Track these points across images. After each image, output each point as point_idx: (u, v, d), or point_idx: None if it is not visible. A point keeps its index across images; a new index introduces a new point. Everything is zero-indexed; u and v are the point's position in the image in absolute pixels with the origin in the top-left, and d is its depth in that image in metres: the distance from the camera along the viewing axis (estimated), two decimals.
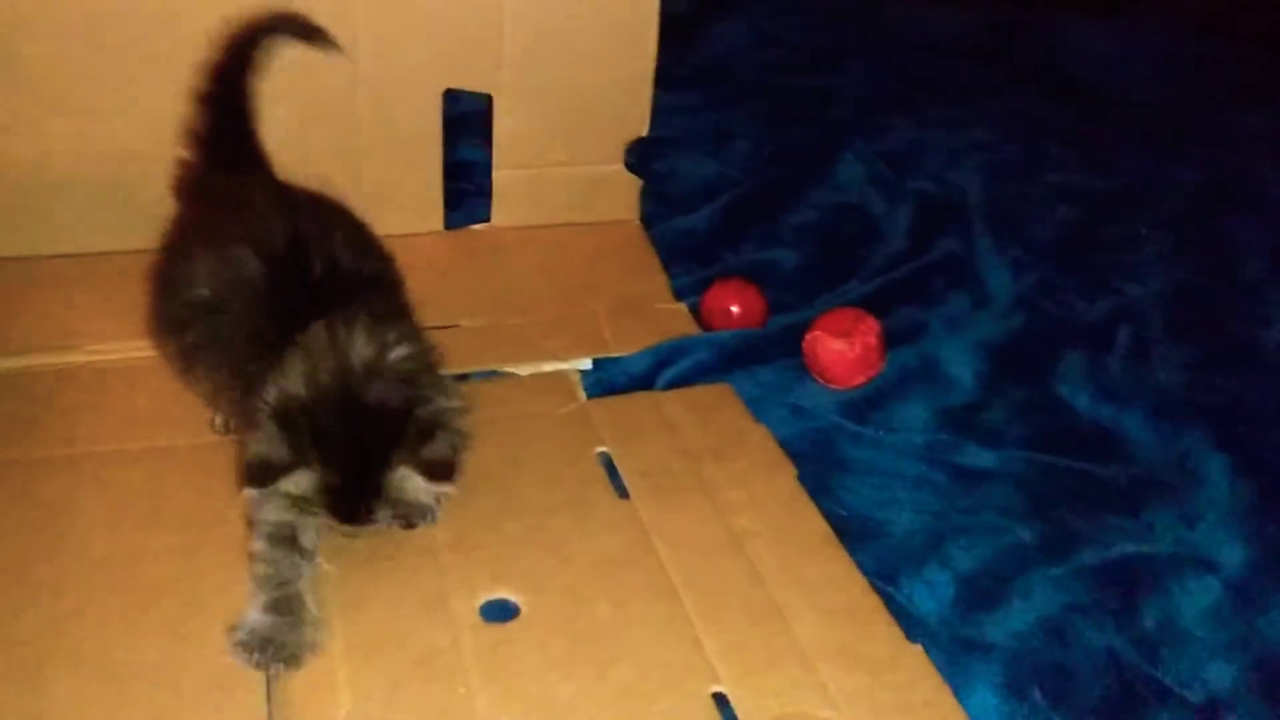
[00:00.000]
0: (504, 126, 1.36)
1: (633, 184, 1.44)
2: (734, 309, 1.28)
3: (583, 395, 1.19)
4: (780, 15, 2.17)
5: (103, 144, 1.25)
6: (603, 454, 1.10)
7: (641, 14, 1.33)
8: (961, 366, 1.22)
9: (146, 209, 1.27)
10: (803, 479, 1.07)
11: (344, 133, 1.32)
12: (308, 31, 1.18)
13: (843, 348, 1.19)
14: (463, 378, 1.19)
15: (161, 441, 1.07)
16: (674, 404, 1.17)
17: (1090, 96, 1.92)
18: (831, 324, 1.20)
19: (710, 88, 1.87)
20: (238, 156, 1.16)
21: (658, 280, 1.37)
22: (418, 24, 1.28)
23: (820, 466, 1.10)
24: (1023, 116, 1.82)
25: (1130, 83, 1.97)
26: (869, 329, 1.20)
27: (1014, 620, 0.94)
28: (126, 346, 1.18)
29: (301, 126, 1.29)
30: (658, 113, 1.69)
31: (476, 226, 1.43)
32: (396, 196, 1.36)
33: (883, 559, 1.00)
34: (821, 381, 1.20)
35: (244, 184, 1.09)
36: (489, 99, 1.35)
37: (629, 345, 1.25)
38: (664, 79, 1.84)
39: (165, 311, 1.05)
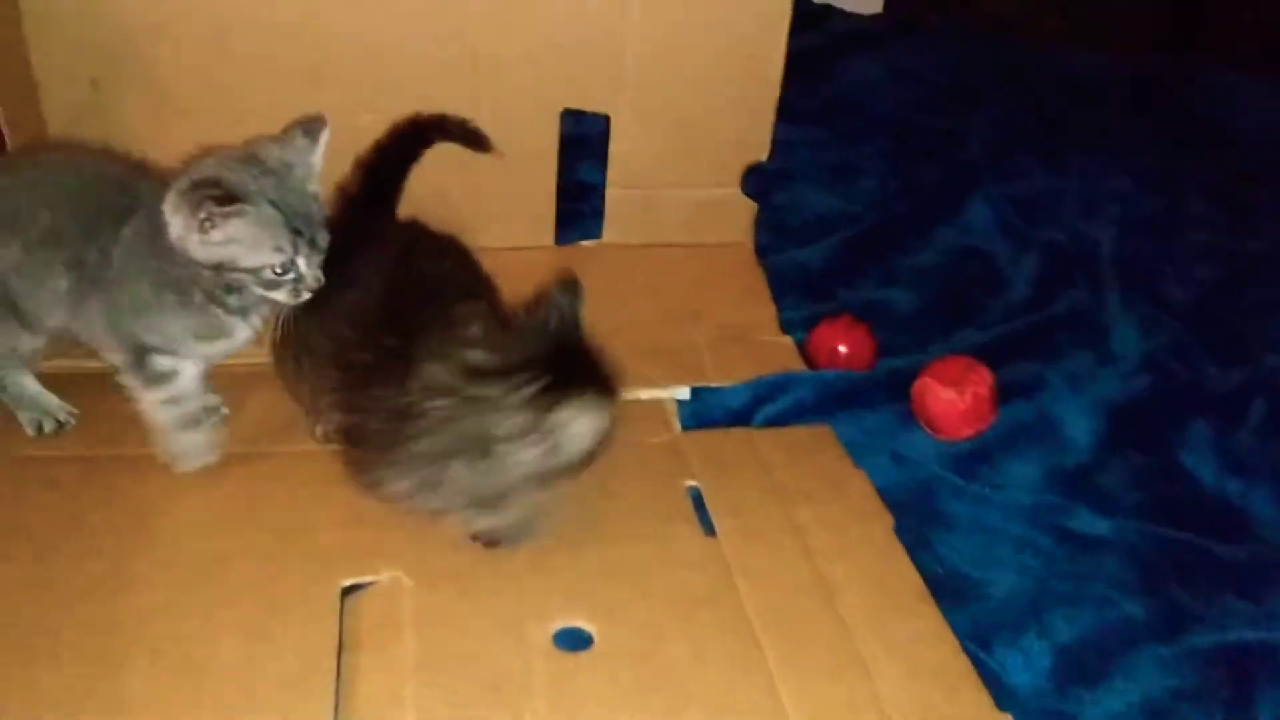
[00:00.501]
0: (620, 146, 1.36)
1: (748, 209, 1.42)
2: (841, 348, 1.25)
3: (677, 426, 1.17)
4: (918, 53, 2.13)
5: None
6: (692, 488, 1.08)
7: (768, 40, 1.31)
8: (1078, 426, 1.16)
9: None
10: (900, 531, 1.02)
11: (462, 148, 1.32)
12: (473, 137, 1.21)
13: (953, 397, 1.14)
14: None
15: (262, 447, 1.09)
16: (770, 443, 1.14)
17: (1241, 153, 1.83)
18: (942, 372, 1.15)
19: (838, 122, 1.83)
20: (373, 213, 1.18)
21: (765, 310, 1.35)
22: (538, 43, 1.28)
23: (919, 519, 1.05)
24: (1166, 169, 1.74)
25: None
26: (981, 379, 1.15)
27: (1113, 700, 0.89)
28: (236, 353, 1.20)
29: None
30: (782, 145, 1.67)
31: (586, 243, 1.42)
32: (510, 211, 1.37)
33: (978, 621, 0.95)
34: (928, 431, 1.16)
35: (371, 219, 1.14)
36: (606, 119, 1.34)
37: (729, 375, 1.22)
38: (791, 111, 1.82)
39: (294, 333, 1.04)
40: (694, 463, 1.11)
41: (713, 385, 1.21)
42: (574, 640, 0.91)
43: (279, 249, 0.93)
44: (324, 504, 1.02)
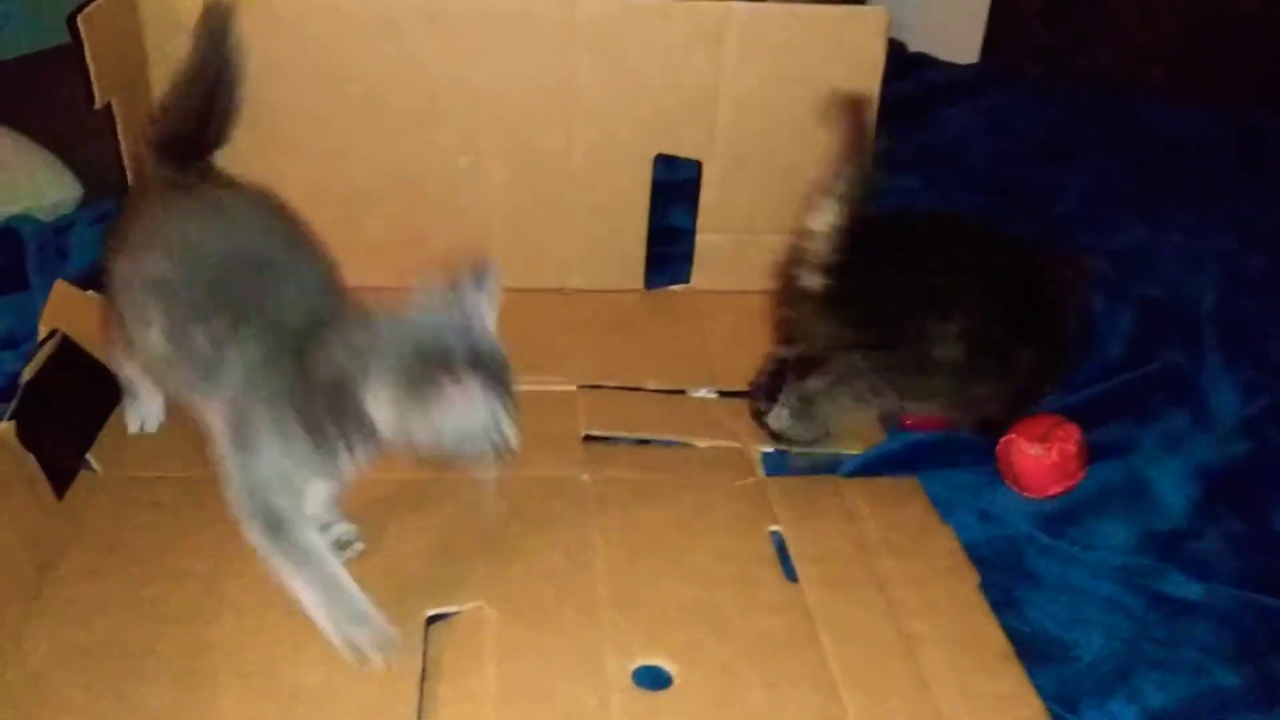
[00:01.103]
0: (711, 192, 1.37)
1: None
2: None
3: (761, 471, 1.17)
4: (1015, 104, 2.11)
5: (332, 185, 1.32)
6: (775, 533, 1.07)
7: (863, 88, 1.31)
8: (1172, 489, 1.13)
9: (365, 245, 1.34)
10: (986, 588, 1.01)
11: (557, 189, 1.35)
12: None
13: (1039, 453, 1.12)
14: (644, 443, 1.19)
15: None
16: (856, 492, 1.13)
17: None
18: (1029, 428, 1.14)
19: (933, 171, 1.82)
20: None
21: None
22: (635, 89, 1.31)
23: (1006, 576, 1.03)
24: (1271, 226, 1.69)
25: None
26: (1068, 435, 1.13)
27: None
28: None
29: (517, 182, 1.35)
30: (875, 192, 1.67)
31: (675, 288, 1.44)
32: (601, 253, 1.39)
33: (1065, 683, 0.93)
34: (1015, 488, 1.14)
35: None
36: (699, 165, 1.36)
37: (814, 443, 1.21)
38: (886, 160, 1.83)
39: None
40: (778, 508, 1.10)
41: (795, 451, 1.20)
42: (653, 679, 0.91)
43: (498, 428, 0.85)
44: (412, 534, 1.04)
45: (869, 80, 1.31)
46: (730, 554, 1.04)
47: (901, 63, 2.23)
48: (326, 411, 0.86)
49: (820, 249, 1.09)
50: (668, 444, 1.20)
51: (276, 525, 0.89)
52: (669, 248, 1.48)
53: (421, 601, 0.96)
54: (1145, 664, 0.94)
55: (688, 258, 1.44)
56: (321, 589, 0.89)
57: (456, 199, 1.34)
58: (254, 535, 0.89)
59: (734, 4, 1.28)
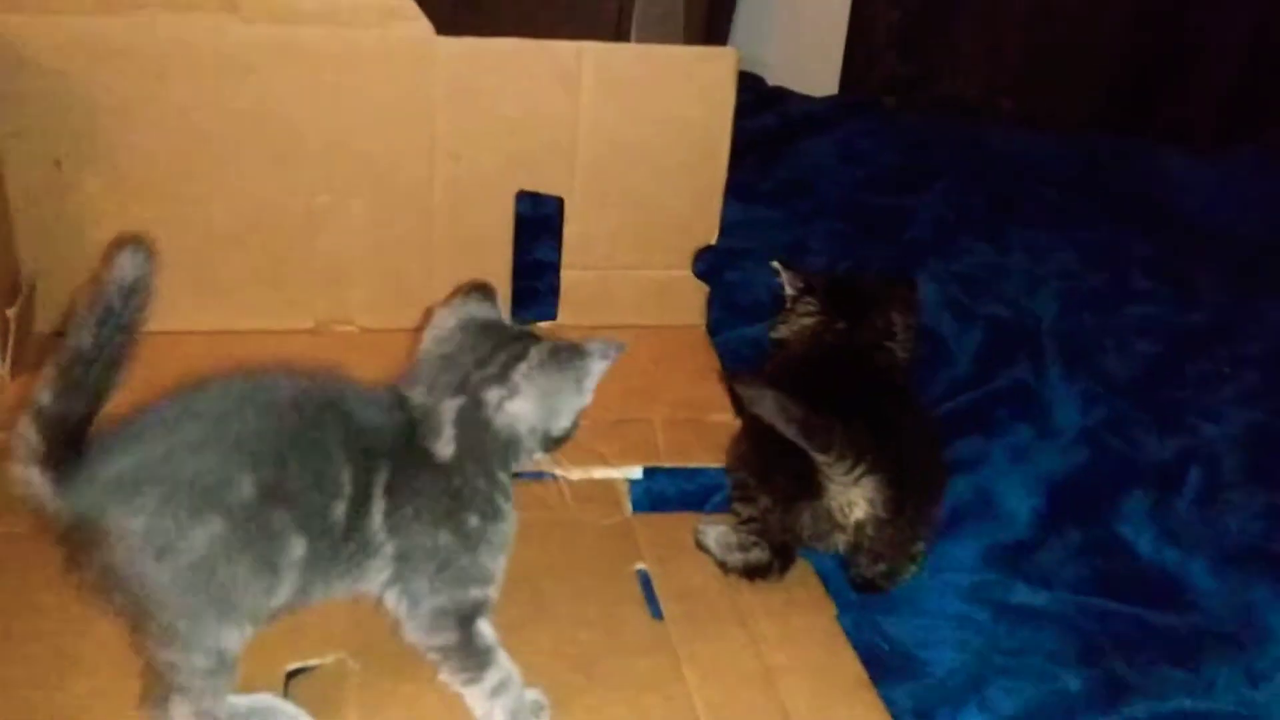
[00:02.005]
0: (574, 229, 1.39)
1: (699, 290, 1.45)
2: None
3: (629, 508, 1.18)
4: (870, 135, 2.18)
5: (189, 228, 1.30)
6: (641, 571, 1.09)
7: (715, 126, 1.36)
8: (1018, 501, 1.18)
9: (226, 289, 1.33)
10: (844, 611, 1.04)
11: (418, 227, 1.35)
12: None
13: None
14: (515, 476, 1.19)
15: None
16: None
17: (1183, 231, 1.89)
18: None
19: (791, 203, 1.88)
20: None
21: (718, 390, 1.36)
22: (495, 126, 1.32)
23: (865, 604, 1.06)
24: (1110, 246, 1.79)
25: (1226, 220, 1.93)
26: None
27: None
28: None
29: (378, 220, 1.34)
30: (736, 225, 1.71)
31: (542, 324, 1.44)
32: None
33: (920, 697, 0.96)
34: None
35: None
36: (560, 201, 1.37)
37: (682, 456, 1.24)
38: (746, 192, 1.87)
39: None
40: (644, 546, 1.12)
41: (666, 466, 1.22)
42: None
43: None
44: None
45: (722, 119, 1.35)
46: (597, 595, 1.05)
47: (761, 97, 2.29)
48: (473, 464, 0.86)
49: None
50: (538, 477, 1.20)
51: (470, 619, 0.87)
52: (535, 282, 1.49)
53: (281, 655, 0.94)
54: (995, 673, 0.98)
55: (554, 292, 1.45)
56: (499, 681, 0.87)
57: (316, 239, 1.33)
58: (447, 642, 0.86)
59: (589, 44, 1.30)
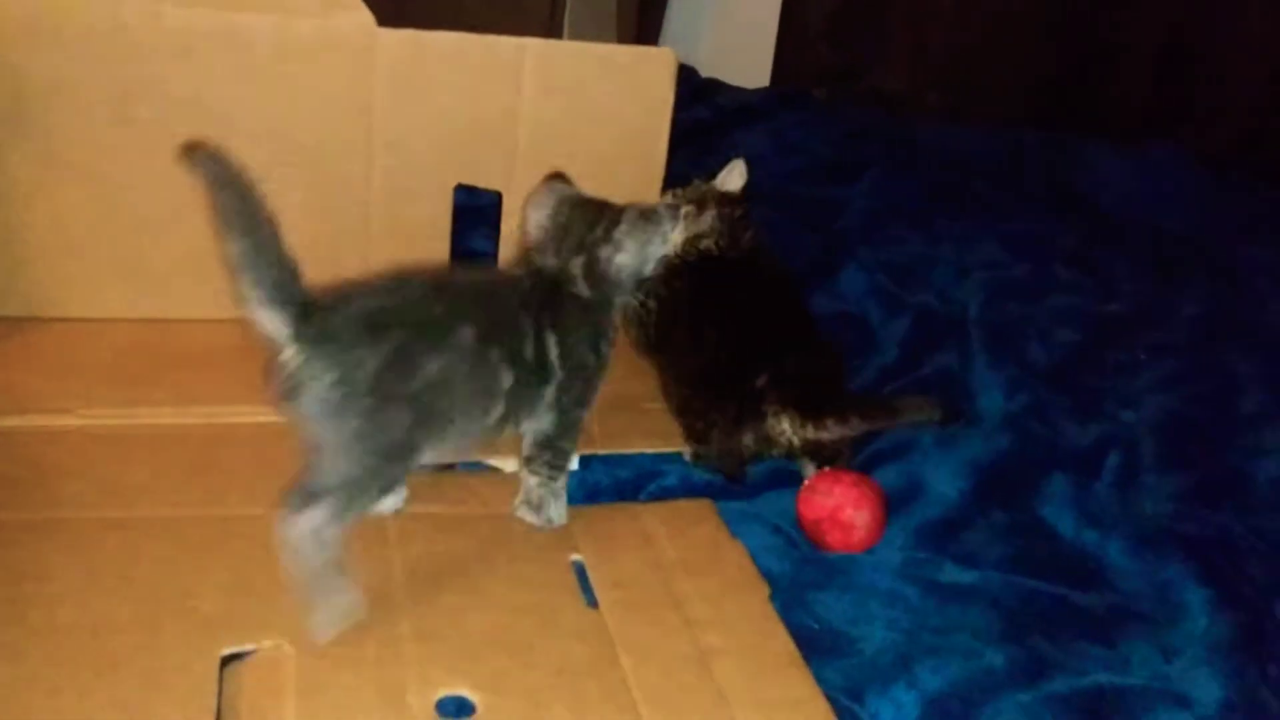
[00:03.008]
0: (512, 223, 1.39)
1: None
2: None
3: None
4: (802, 126, 2.22)
5: (119, 213, 1.28)
6: (576, 562, 1.10)
7: (653, 127, 1.37)
8: (946, 484, 1.21)
9: (156, 277, 1.31)
10: (777, 593, 1.06)
11: (356, 218, 1.35)
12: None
13: (861, 538, 1.14)
14: (448, 468, 1.20)
15: (141, 511, 1.08)
16: (652, 517, 1.17)
17: (1103, 221, 1.94)
18: (837, 510, 1.14)
19: None
20: None
21: (653, 381, 1.38)
22: (434, 119, 1.32)
23: (796, 578, 1.09)
24: (1034, 237, 1.84)
25: (1144, 210, 2.00)
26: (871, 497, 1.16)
27: None
28: (120, 414, 1.19)
29: (315, 210, 1.33)
30: None
31: None
32: None
33: (850, 676, 0.99)
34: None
35: None
36: (499, 195, 1.38)
37: (618, 443, 1.25)
38: (681, 183, 1.89)
39: None
40: (579, 537, 1.13)
41: (602, 453, 1.23)
42: (458, 709, 0.91)
43: None
44: (207, 570, 1.02)
45: (660, 118, 1.37)
46: (532, 583, 1.06)
47: (694, 89, 2.31)
48: (601, 303, 1.09)
49: None
50: (472, 468, 1.21)
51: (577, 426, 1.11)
52: None
53: (217, 640, 0.94)
54: (922, 651, 1.01)
55: None
56: (564, 481, 1.14)
57: None
58: (569, 445, 1.12)
59: (530, 41, 1.31)
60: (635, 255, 1.08)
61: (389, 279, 1.02)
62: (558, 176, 1.15)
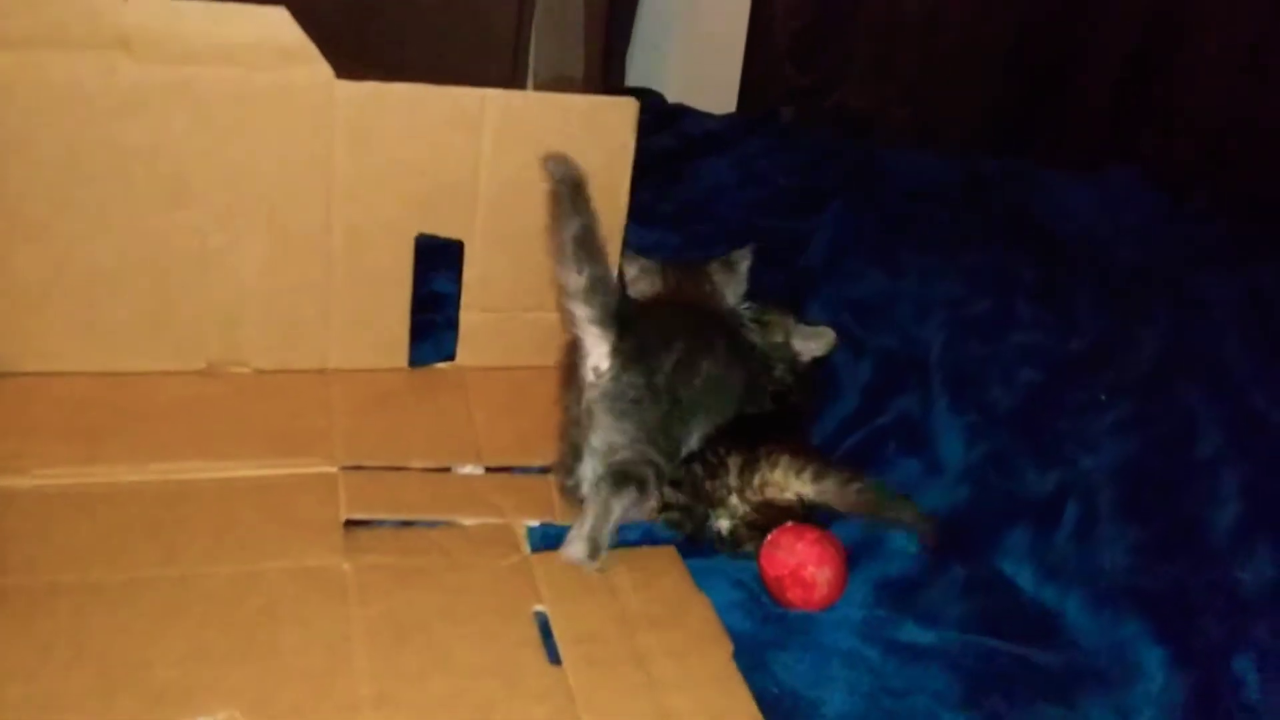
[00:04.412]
0: (474, 271, 1.39)
1: None
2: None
3: (527, 548, 1.19)
4: (770, 154, 2.22)
5: (75, 266, 1.27)
6: (540, 613, 1.10)
7: (615, 175, 1.37)
8: (905, 539, 1.21)
9: (112, 330, 1.30)
10: (739, 652, 1.06)
11: (316, 268, 1.34)
12: None
13: (823, 595, 1.14)
14: (408, 524, 1.20)
15: (95, 575, 1.07)
16: (617, 564, 1.17)
17: (1064, 254, 1.95)
18: (799, 568, 1.14)
19: (691, 226, 1.90)
20: None
21: None
22: (394, 170, 1.31)
23: (757, 636, 1.09)
24: (995, 270, 1.84)
25: (1104, 241, 2.01)
26: (835, 553, 1.15)
27: None
28: (76, 471, 1.18)
29: (274, 261, 1.33)
30: (638, 250, 1.72)
31: (441, 365, 1.44)
32: (363, 332, 1.39)
33: None
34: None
35: None
36: (460, 244, 1.37)
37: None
38: (646, 215, 1.88)
39: None
40: (542, 586, 1.13)
41: (559, 524, 1.22)
42: None
43: None
44: (162, 637, 1.00)
45: (621, 165, 1.37)
46: (494, 640, 1.06)
47: (660, 116, 2.31)
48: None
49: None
50: (433, 524, 1.21)
51: None
52: (433, 315, 1.49)
53: (170, 713, 0.93)
54: (883, 716, 1.01)
55: (452, 325, 1.45)
56: None
57: (209, 280, 1.31)
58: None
59: (490, 91, 1.30)
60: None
61: (663, 304, 1.33)
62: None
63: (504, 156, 1.33)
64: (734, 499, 1.21)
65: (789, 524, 1.16)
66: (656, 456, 1.18)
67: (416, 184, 1.32)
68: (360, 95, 1.27)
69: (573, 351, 1.19)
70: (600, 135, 1.35)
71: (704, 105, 2.50)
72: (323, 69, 1.24)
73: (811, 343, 1.41)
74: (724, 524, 1.21)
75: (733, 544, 1.20)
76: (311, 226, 1.31)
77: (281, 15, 1.22)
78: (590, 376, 1.17)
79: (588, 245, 1.10)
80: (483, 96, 1.30)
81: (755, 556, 1.17)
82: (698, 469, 1.22)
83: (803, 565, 1.12)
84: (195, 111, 1.23)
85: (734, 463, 1.21)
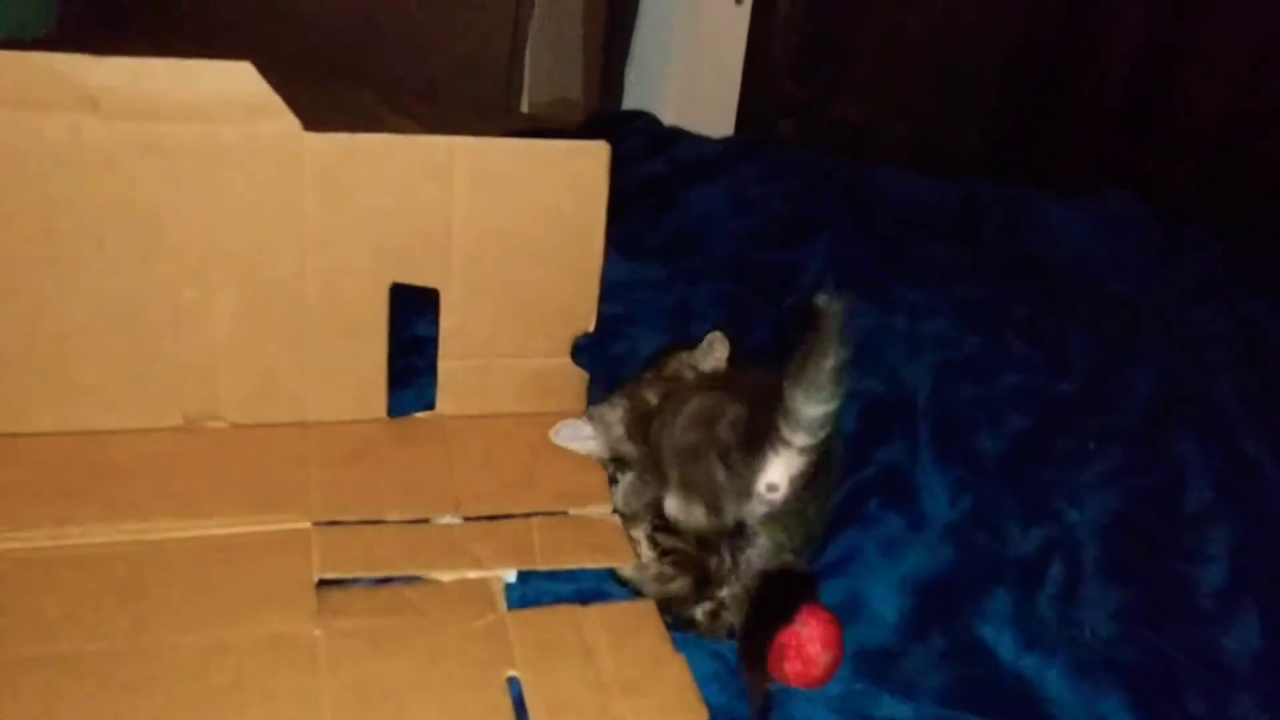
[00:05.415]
0: (451, 320, 1.37)
1: (579, 377, 1.45)
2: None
3: (503, 606, 1.17)
4: (762, 181, 2.20)
5: (45, 325, 1.26)
6: (513, 679, 1.08)
7: (589, 219, 1.35)
8: (887, 604, 1.20)
9: (82, 387, 1.29)
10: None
11: (290, 320, 1.32)
12: None
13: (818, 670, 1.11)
14: (384, 582, 1.19)
15: (63, 646, 1.05)
16: (594, 623, 1.15)
17: (1057, 285, 1.93)
18: (807, 643, 1.11)
19: (680, 260, 1.88)
20: None
21: (595, 478, 1.36)
22: (366, 220, 1.30)
23: (731, 712, 1.07)
24: (986, 305, 1.82)
25: (1099, 271, 1.99)
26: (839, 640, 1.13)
27: None
28: (48, 534, 1.17)
29: (248, 313, 1.31)
30: (624, 285, 1.71)
31: (420, 414, 1.43)
32: (340, 383, 1.37)
33: None
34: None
35: None
36: (436, 293, 1.36)
37: (558, 557, 1.23)
38: (634, 247, 1.87)
39: None
40: (517, 648, 1.11)
41: (541, 569, 1.22)
42: None
43: None
44: (128, 715, 0.99)
45: (595, 208, 1.35)
46: (466, 710, 1.04)
47: (653, 140, 2.29)
48: None
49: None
50: (409, 580, 1.20)
51: None
52: (414, 359, 1.47)
53: None
54: None
55: (434, 369, 1.43)
56: None
57: (182, 334, 1.30)
58: None
59: (460, 140, 1.29)
60: None
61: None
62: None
63: (477, 204, 1.31)
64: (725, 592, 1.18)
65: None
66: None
67: (389, 233, 1.31)
68: (329, 147, 1.26)
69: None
70: (573, 180, 1.34)
71: (703, 121, 2.48)
72: (290, 122, 1.23)
73: (711, 356, 1.38)
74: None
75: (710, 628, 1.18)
76: (285, 279, 1.30)
77: (247, 70, 1.20)
78: (762, 490, 1.13)
79: (840, 380, 1.08)
80: (452, 145, 1.29)
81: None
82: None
83: (811, 641, 1.10)
84: (164, 168, 1.22)
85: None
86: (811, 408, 1.07)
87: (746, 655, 1.11)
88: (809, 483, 1.13)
